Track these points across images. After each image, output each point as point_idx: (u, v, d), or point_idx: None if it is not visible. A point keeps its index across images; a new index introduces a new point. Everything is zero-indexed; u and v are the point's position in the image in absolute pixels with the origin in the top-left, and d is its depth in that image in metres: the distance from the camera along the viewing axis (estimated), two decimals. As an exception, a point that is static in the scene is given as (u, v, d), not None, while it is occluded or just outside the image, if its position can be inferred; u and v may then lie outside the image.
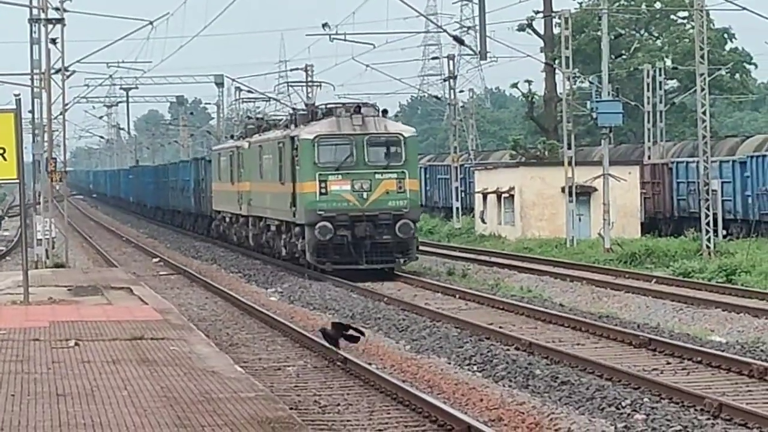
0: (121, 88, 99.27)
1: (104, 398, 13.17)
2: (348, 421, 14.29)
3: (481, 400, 14.88)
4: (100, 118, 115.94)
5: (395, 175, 31.97)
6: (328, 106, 34.30)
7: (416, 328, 22.18)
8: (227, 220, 47.35)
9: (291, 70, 66.37)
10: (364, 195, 31.76)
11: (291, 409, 13.74)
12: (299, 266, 34.49)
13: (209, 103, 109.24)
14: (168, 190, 66.32)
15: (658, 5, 76.00)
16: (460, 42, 44.15)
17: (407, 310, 24.78)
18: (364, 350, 19.93)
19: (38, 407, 12.14)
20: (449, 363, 17.83)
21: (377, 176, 31.84)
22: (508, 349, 18.80)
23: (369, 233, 31.39)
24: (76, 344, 17.67)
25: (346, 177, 31.74)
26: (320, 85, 49.30)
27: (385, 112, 33.35)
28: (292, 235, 33.95)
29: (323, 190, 31.66)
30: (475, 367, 17.45)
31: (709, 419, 13.36)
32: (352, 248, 31.55)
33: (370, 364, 18.13)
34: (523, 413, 13.72)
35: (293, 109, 41.24)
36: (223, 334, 23.06)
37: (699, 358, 17.50)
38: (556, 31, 58.70)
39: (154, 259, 44.41)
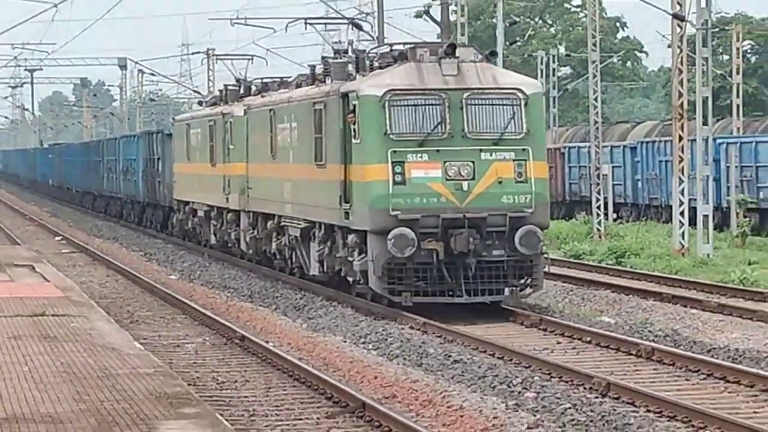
0: (25, 69, 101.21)
1: (5, 373, 13.41)
2: (245, 397, 14.46)
3: (376, 377, 15.22)
4: (5, 98, 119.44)
5: (513, 155, 20.58)
6: (403, 46, 22.82)
7: (313, 307, 22.55)
8: (200, 214, 35.42)
9: (192, 53, 65.46)
10: (465, 186, 20.25)
11: (189, 385, 14.04)
12: (345, 294, 23.64)
13: (112, 86, 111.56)
14: (104, 171, 56.16)
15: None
16: (359, 27, 44.15)
17: (305, 289, 25.00)
18: (262, 328, 20.26)
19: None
20: (345, 341, 18.16)
21: (484, 156, 20.43)
22: (402, 329, 19.07)
23: (474, 247, 20.04)
24: None
25: (435, 157, 20.33)
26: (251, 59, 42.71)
27: (493, 54, 22.66)
28: (340, 247, 22.78)
29: (399, 178, 20.20)
30: (370, 346, 17.54)
31: (597, 397, 13.66)
32: (446, 270, 20.21)
33: (267, 341, 18.25)
34: (416, 390, 14.07)
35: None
36: (123, 312, 22.95)
37: (588, 338, 17.79)
38: (452, 17, 59.80)
39: (57, 238, 43.81)
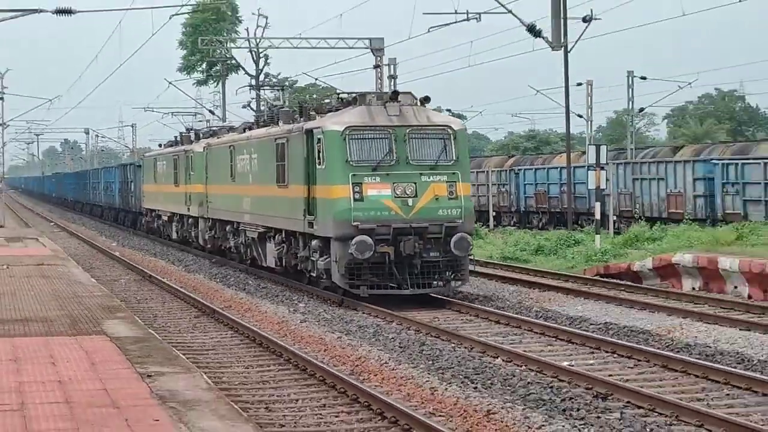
0: (34, 134, 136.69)
1: (21, 295, 22.56)
2: (151, 307, 24.92)
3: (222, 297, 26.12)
4: (22, 149, 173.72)
5: (446, 178, 24.19)
6: (349, 95, 26.59)
7: (187, 259, 36.89)
8: (164, 218, 46.49)
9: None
10: (410, 202, 23.91)
11: (121, 301, 23.68)
12: (293, 281, 28.76)
13: (83, 142, 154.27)
14: (90, 189, 77.94)
15: None
16: (212, 113, 51.48)
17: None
18: (166, 274, 31.73)
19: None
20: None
21: (423, 178, 24.05)
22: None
23: (418, 250, 23.71)
24: (7, 267, 29.04)
25: (386, 180, 23.89)
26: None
27: (426, 99, 25.18)
28: (301, 248, 27.06)
29: (357, 196, 23.77)
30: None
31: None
32: (396, 269, 23.80)
33: (163, 278, 30.51)
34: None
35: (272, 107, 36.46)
36: (85, 263, 35.95)
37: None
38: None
39: (51, 224, 67.60)
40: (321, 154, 24.12)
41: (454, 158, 23.95)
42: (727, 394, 14.49)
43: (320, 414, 13.88)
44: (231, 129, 38.03)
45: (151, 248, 43.63)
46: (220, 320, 22.13)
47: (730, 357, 16.74)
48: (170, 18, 49.67)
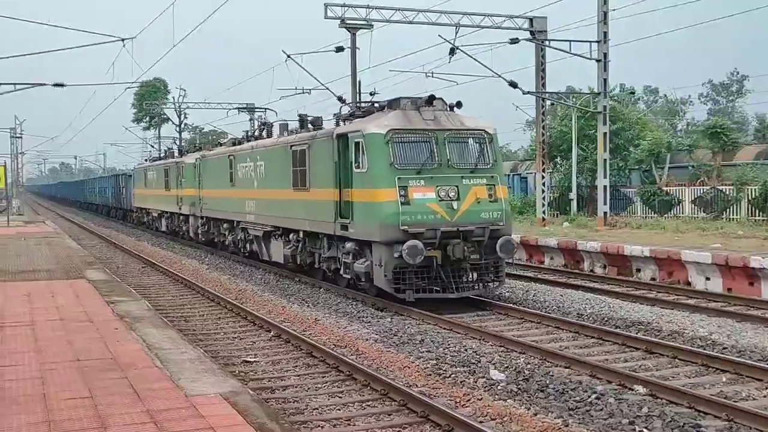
0: (42, 159, 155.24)
1: (32, 255, 27.15)
2: (115, 262, 29.70)
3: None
4: (36, 167, 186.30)
5: (485, 181, 17.81)
6: (379, 102, 20.10)
7: (144, 235, 42.96)
8: (154, 215, 43.85)
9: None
10: (454, 205, 17.38)
11: (96, 259, 28.11)
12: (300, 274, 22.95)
13: (73, 164, 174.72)
14: (88, 192, 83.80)
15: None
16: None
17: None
18: (139, 250, 35.29)
19: (7, 259, 25.61)
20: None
21: (464, 182, 17.62)
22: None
23: (467, 254, 17.34)
24: (24, 239, 34.89)
25: (429, 183, 17.39)
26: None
27: (458, 105, 19.09)
28: (325, 249, 20.20)
29: (403, 200, 17.13)
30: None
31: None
32: (442, 273, 17.50)
33: (122, 245, 36.19)
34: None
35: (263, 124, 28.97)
36: (76, 236, 42.41)
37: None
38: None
39: (55, 214, 79.40)
40: (360, 158, 18.04)
41: (492, 161, 18.35)
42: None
43: (218, 323, 16.23)
44: (218, 143, 35.30)
45: (122, 230, 49.34)
46: (158, 269, 26.52)
47: None
48: (125, 90, 72.79)
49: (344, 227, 18.79)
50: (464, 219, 17.60)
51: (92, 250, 31.60)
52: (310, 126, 22.37)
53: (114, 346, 10.47)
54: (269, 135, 26.56)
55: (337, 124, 20.72)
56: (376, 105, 19.80)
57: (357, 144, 18.31)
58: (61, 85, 36.29)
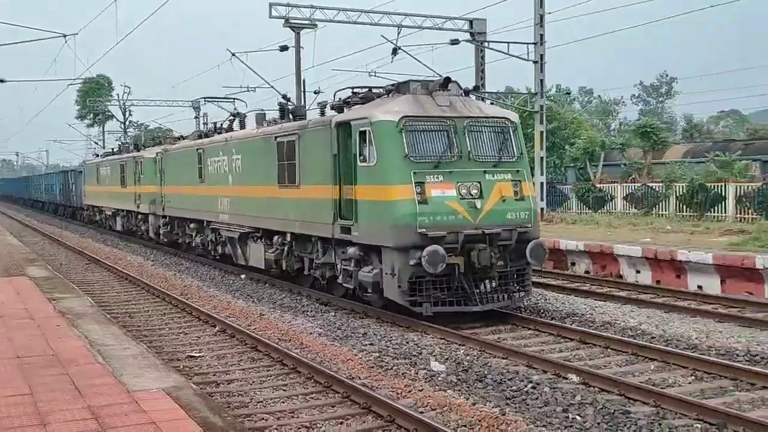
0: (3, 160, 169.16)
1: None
2: (58, 258, 29.15)
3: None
4: None
5: (510, 176, 15.03)
6: (383, 87, 16.83)
7: (86, 232, 42.20)
8: (108, 213, 40.22)
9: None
10: (477, 204, 14.57)
11: (38, 255, 27.60)
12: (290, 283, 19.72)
13: (38, 161, 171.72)
14: (33, 189, 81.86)
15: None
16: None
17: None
18: (86, 248, 33.85)
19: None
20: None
21: (488, 177, 14.83)
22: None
23: (494, 261, 14.59)
24: None
25: (449, 178, 14.50)
26: None
27: (475, 89, 17.08)
28: (319, 253, 17.18)
29: (420, 198, 14.21)
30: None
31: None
32: (465, 282, 14.63)
33: (65, 241, 35.26)
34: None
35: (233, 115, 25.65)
36: (17, 234, 40.23)
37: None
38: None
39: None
40: (367, 150, 15.07)
41: (518, 154, 15.57)
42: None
43: (163, 319, 16.16)
44: (180, 137, 31.77)
45: (68, 227, 47.09)
46: (102, 265, 26.08)
47: None
48: (67, 86, 62.40)
49: (345, 230, 15.84)
50: (488, 220, 14.84)
51: (35, 247, 31.10)
52: (290, 116, 19.40)
53: (55, 342, 10.33)
54: (242, 126, 23.62)
55: (322, 114, 17.63)
56: (380, 90, 16.63)
57: (362, 133, 15.33)
58: (1, 81, 34.64)
